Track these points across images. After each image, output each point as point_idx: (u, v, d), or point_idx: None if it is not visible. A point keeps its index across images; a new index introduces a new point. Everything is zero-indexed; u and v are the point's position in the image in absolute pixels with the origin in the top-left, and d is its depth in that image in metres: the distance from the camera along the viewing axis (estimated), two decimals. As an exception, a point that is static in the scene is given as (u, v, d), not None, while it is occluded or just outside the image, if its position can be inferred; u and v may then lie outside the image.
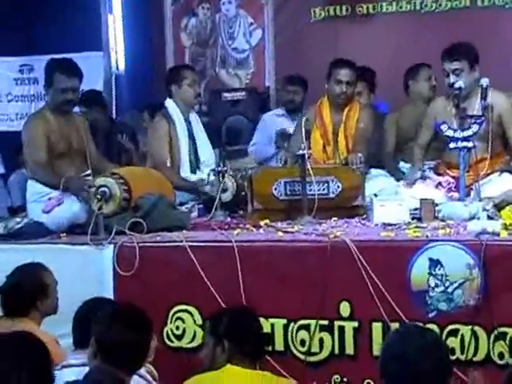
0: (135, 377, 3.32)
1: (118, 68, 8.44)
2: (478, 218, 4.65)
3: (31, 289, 4.00)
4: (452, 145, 5.08)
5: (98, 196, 4.75)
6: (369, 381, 4.13)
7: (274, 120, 7.15)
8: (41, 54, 8.17)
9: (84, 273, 4.58)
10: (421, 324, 3.73)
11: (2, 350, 2.63)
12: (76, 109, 5.78)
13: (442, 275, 4.06)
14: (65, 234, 4.93)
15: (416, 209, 4.87)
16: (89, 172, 5.17)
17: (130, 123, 7.57)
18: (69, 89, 5.27)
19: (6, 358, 2.60)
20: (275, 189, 5.15)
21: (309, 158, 5.00)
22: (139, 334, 3.26)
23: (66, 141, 5.31)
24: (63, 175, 5.08)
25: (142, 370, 3.48)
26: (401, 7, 7.87)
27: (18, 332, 2.90)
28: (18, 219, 5.16)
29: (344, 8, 8.01)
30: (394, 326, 4.03)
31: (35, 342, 2.74)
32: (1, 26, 8.74)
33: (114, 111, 8.22)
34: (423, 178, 5.38)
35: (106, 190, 4.78)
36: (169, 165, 5.87)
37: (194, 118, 6.17)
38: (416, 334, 2.86)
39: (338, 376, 4.23)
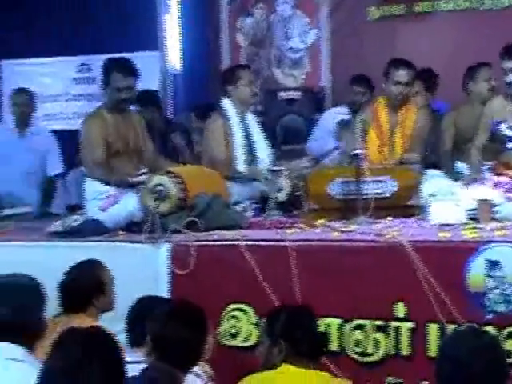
0: (190, 376, 3.33)
1: (174, 67, 8.50)
2: (537, 219, 4.59)
3: (88, 286, 4.05)
4: (511, 145, 5.01)
5: (155, 195, 4.79)
6: (424, 382, 4.09)
7: (336, 117, 7.11)
8: (99, 54, 8.26)
9: (140, 271, 4.61)
10: (478, 326, 3.69)
11: (75, 343, 2.65)
12: (132, 107, 5.83)
13: (500, 277, 4.00)
14: (121, 232, 4.98)
15: (473, 209, 4.81)
16: (145, 170, 5.21)
17: (185, 123, 7.61)
18: (125, 88, 5.32)
19: (79, 352, 2.62)
20: (330, 188, 5.14)
21: (364, 157, 4.98)
22: (195, 331, 3.27)
23: (122, 139, 5.36)
24: (120, 173, 5.12)
25: (198, 369, 3.50)
26: (459, 5, 7.79)
27: (92, 326, 2.93)
28: (75, 217, 5.23)
29: (400, 7, 7.95)
30: (450, 327, 4.00)
31: (107, 336, 2.77)
32: (60, 27, 8.88)
33: (170, 111, 8.27)
34: (480, 178, 5.31)
35: (161, 188, 4.82)
36: (224, 161, 5.89)
37: (250, 117, 6.18)
38: (470, 335, 2.84)
39: (392, 377, 4.21)
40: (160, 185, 4.83)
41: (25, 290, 3.35)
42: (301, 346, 3.57)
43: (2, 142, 6.74)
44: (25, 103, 6.84)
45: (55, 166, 6.94)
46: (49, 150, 6.88)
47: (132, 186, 4.99)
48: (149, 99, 6.95)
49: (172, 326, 3.24)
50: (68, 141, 7.95)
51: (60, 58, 9.22)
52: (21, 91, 6.98)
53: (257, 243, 4.49)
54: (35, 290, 3.39)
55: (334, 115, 7.20)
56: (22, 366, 3.17)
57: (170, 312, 3.37)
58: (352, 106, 7.08)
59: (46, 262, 4.50)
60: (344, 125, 6.75)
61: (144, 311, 3.63)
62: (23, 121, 6.84)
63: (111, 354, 2.69)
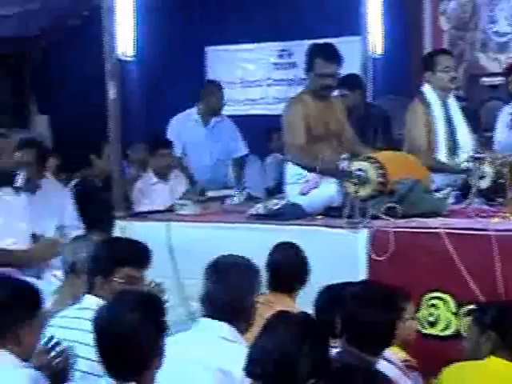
0: (383, 362, 3.31)
1: (375, 52, 8.46)
2: None
3: (296, 268, 4.14)
4: None
5: (354, 180, 4.80)
6: None
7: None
8: (300, 40, 8.37)
9: (338, 256, 4.63)
10: None
11: (288, 329, 2.71)
12: (335, 92, 5.88)
13: None
14: (320, 217, 5.03)
15: None
16: (346, 156, 5.23)
17: (385, 108, 7.56)
18: (328, 74, 5.36)
19: (292, 338, 2.68)
20: (537, 176, 4.97)
21: None
22: (385, 313, 3.26)
23: (324, 124, 5.41)
24: (325, 161, 5.17)
25: (393, 357, 3.48)
26: None
27: (303, 312, 2.99)
28: (275, 200, 5.33)
29: None
30: None
31: (317, 323, 2.82)
32: (261, 13, 9.05)
33: (369, 95, 8.25)
34: None
35: (361, 173, 4.82)
36: (425, 148, 5.82)
37: (452, 102, 6.06)
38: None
39: None
40: (360, 170, 4.83)
41: (243, 271, 3.45)
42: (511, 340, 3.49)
43: (192, 132, 7.06)
44: (216, 95, 7.11)
45: (239, 150, 7.22)
46: (231, 136, 7.19)
47: (335, 174, 5.02)
48: (355, 83, 6.98)
49: (362, 307, 3.25)
50: (268, 125, 8.15)
51: (261, 45, 9.42)
52: (212, 83, 7.29)
53: (458, 231, 4.42)
54: (253, 271, 3.49)
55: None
56: (233, 345, 3.28)
57: (360, 294, 3.37)
58: None
59: (247, 243, 4.60)
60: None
61: (332, 299, 3.65)
62: (213, 111, 7.11)
63: (320, 341, 2.73)
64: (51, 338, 3.25)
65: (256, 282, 3.48)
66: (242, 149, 7.31)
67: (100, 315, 2.86)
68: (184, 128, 7.14)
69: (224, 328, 3.32)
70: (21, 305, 3.12)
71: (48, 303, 4.13)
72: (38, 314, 3.17)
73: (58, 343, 3.24)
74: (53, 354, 3.22)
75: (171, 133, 7.20)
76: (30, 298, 3.18)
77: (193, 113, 7.23)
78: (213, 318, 3.36)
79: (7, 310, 3.09)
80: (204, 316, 3.41)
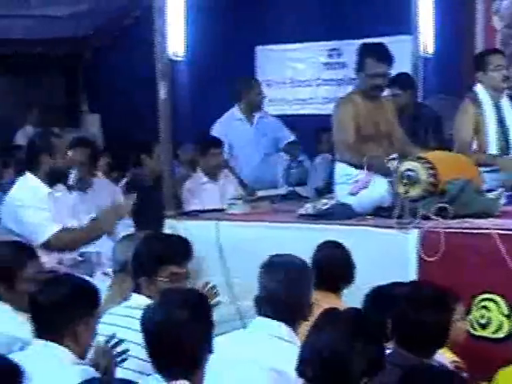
0: (433, 363, 3.28)
1: (426, 51, 8.40)
2: None
3: (342, 267, 4.13)
4: None
5: (404, 180, 4.78)
6: None
7: None
8: (350, 39, 8.34)
9: (387, 256, 4.62)
10: None
11: (338, 328, 2.71)
12: (387, 91, 5.85)
13: None
14: (370, 217, 5.01)
15: None
16: (395, 156, 5.20)
17: (436, 108, 7.51)
18: (379, 74, 5.33)
19: (343, 337, 2.68)
20: None
21: None
22: (437, 314, 3.23)
23: (373, 124, 5.39)
24: (378, 161, 5.15)
25: (442, 358, 3.46)
26: None
27: (356, 309, 2.98)
28: (325, 200, 5.32)
29: None
30: None
31: (373, 323, 2.81)
32: (310, 12, 9.05)
33: (420, 95, 8.19)
34: None
35: (412, 173, 4.79)
36: (474, 147, 5.77)
37: (504, 102, 6.00)
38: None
39: None
40: (410, 170, 4.81)
41: (300, 270, 3.45)
42: None
43: (239, 132, 7.07)
44: (255, 89, 7.13)
45: (287, 136, 7.27)
46: (276, 127, 7.22)
47: (384, 173, 5.00)
48: (407, 82, 6.94)
49: (414, 309, 3.22)
50: (317, 125, 8.14)
51: (311, 44, 9.40)
52: (248, 79, 7.32)
53: (510, 232, 4.37)
54: (308, 269, 3.51)
55: None
56: (288, 345, 3.27)
57: (411, 294, 3.35)
58: None
59: (297, 243, 4.59)
60: None
61: (382, 299, 3.62)
62: (255, 107, 7.13)
63: (372, 339, 2.72)
64: (112, 336, 3.28)
65: (311, 281, 3.47)
66: (289, 135, 7.31)
67: (148, 315, 2.87)
68: (230, 129, 7.13)
69: (281, 327, 3.31)
70: (80, 303, 3.17)
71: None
72: (95, 312, 3.21)
73: (119, 342, 3.27)
74: (114, 352, 3.25)
75: (218, 132, 7.19)
76: (89, 297, 3.23)
77: (235, 113, 7.21)
78: (269, 317, 3.35)
79: (67, 307, 3.13)
80: (259, 315, 3.41)
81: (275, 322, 3.32)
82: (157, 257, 3.72)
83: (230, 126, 7.18)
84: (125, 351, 3.26)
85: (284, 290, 3.34)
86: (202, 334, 2.84)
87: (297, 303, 3.36)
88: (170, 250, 3.77)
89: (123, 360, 3.26)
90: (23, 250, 3.95)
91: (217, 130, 7.19)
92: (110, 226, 5.24)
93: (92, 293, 3.24)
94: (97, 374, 3.07)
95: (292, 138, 7.32)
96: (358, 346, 2.63)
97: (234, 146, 7.14)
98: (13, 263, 3.81)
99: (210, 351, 2.86)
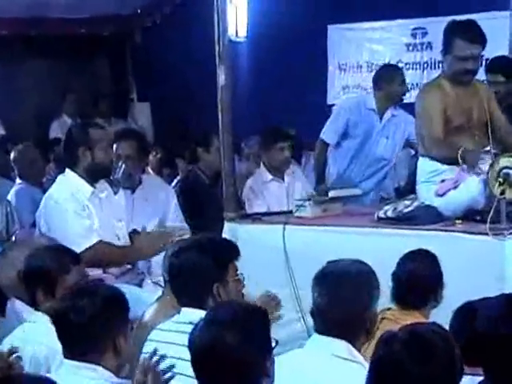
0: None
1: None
2: None
3: (428, 280, 4.10)
4: None
5: (500, 179, 4.72)
6: None
7: None
8: (436, 16, 8.28)
9: (480, 267, 4.61)
10: None
11: (405, 347, 2.70)
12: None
13: None
14: (460, 221, 4.97)
15: None
16: (489, 148, 5.12)
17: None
18: (469, 57, 5.28)
19: (411, 357, 2.67)
20: None
21: None
22: None
23: (465, 113, 5.33)
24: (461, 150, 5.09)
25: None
26: None
27: (434, 324, 2.97)
28: (407, 202, 5.30)
29: None
30: None
31: (449, 341, 2.80)
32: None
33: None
34: None
35: (510, 171, 4.74)
36: None
37: None
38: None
39: None
40: (509, 168, 4.75)
41: (356, 280, 3.43)
42: None
43: (366, 123, 6.88)
44: (397, 80, 6.99)
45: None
46: (405, 129, 6.95)
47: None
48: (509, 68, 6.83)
49: (509, 327, 3.18)
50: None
51: (391, 22, 9.35)
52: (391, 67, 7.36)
53: None
54: (369, 278, 3.47)
55: None
56: (347, 363, 3.28)
57: (507, 310, 3.31)
58: None
59: (374, 250, 4.60)
60: None
61: (471, 318, 3.58)
62: (393, 100, 6.96)
63: (451, 361, 2.71)
64: (155, 351, 3.32)
65: (373, 291, 3.45)
66: None
67: (196, 333, 2.89)
68: (358, 115, 6.95)
69: (336, 345, 3.33)
70: (114, 312, 3.22)
71: (147, 313, 4.22)
72: (128, 320, 3.25)
73: (162, 357, 3.30)
74: (158, 369, 3.27)
75: (338, 114, 7.05)
76: (124, 305, 3.27)
77: (368, 101, 7.04)
78: (324, 333, 3.37)
79: (102, 319, 3.18)
80: (316, 332, 3.43)
81: (329, 339, 3.34)
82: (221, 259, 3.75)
83: (359, 111, 6.97)
84: (170, 367, 3.28)
85: (336, 305, 3.35)
86: (256, 355, 2.83)
87: (352, 319, 3.36)
88: (229, 247, 3.85)
89: (170, 378, 3.29)
90: (67, 255, 4.01)
91: (343, 108, 7.11)
92: (152, 253, 5.26)
93: (122, 300, 3.30)
94: None
95: None
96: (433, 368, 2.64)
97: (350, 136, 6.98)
98: (55, 268, 3.88)
99: (269, 374, 2.86)
